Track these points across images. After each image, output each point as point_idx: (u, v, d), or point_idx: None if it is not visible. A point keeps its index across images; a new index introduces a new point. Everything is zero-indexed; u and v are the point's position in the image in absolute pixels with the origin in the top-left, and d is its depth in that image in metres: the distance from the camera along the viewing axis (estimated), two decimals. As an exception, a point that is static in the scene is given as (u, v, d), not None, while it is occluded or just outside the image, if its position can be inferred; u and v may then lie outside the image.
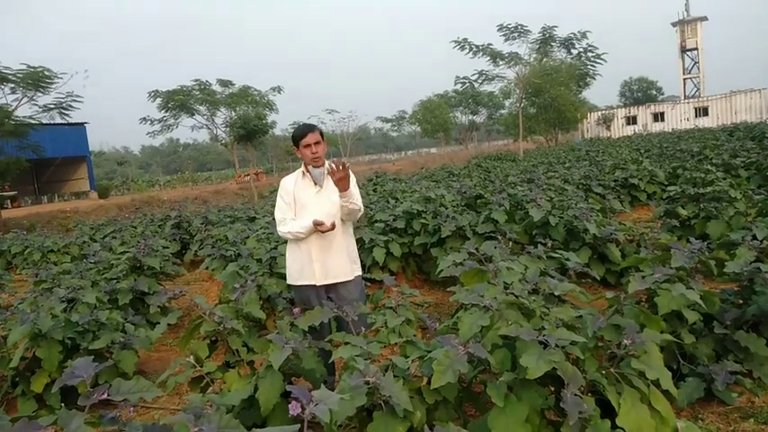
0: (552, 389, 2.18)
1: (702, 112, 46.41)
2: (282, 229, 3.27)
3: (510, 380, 2.10)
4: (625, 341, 2.17)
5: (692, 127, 37.46)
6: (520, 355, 2.08)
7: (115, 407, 1.99)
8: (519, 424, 1.99)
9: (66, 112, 19.36)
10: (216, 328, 2.98)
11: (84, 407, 1.85)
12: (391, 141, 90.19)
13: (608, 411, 2.07)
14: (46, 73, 17.86)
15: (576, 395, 1.93)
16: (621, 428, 1.99)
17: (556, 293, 2.86)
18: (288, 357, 2.38)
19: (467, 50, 25.06)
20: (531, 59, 26.55)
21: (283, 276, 4.64)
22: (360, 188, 3.39)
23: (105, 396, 1.86)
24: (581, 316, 2.54)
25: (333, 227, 3.13)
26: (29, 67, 17.60)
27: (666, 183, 9.37)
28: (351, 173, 3.14)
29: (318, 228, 3.10)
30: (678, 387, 2.59)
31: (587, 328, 2.33)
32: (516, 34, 25.18)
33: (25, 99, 18.31)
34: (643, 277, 2.74)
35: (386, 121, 57.68)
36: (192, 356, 2.77)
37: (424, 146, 73.27)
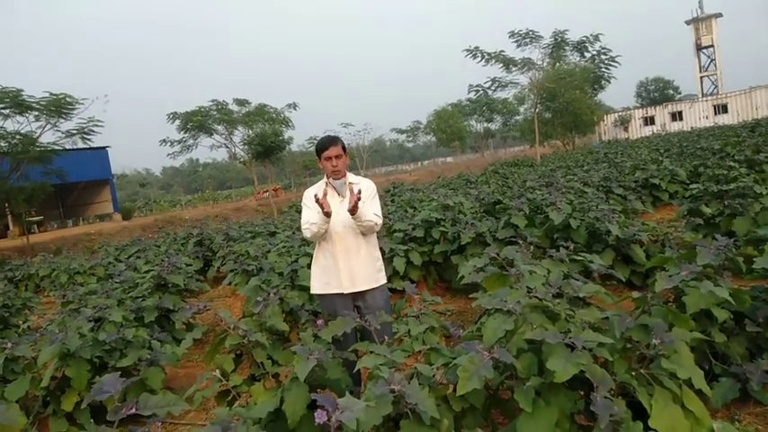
0: (581, 392, 2.14)
1: (722, 109, 45.53)
2: (305, 225, 3.22)
3: (537, 384, 2.07)
4: (654, 341, 2.13)
5: (712, 125, 36.79)
6: (546, 358, 2.05)
7: (144, 423, 2.01)
8: (548, 429, 1.95)
9: (88, 136, 19.77)
10: (240, 342, 3.00)
11: (114, 422, 1.87)
12: (407, 152, 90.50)
13: (640, 413, 2.02)
14: (68, 99, 18.28)
15: (606, 398, 1.89)
16: (654, 430, 1.95)
17: (580, 296, 2.81)
18: (313, 369, 2.37)
19: (479, 58, 25.12)
20: (545, 64, 26.50)
21: (305, 289, 4.66)
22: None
23: (133, 411, 1.88)
24: (607, 317, 2.49)
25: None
26: (51, 94, 18.03)
27: (688, 181, 9.19)
28: (372, 185, 3.31)
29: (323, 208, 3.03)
30: (711, 387, 2.52)
31: (614, 329, 2.28)
32: (528, 40, 25.21)
33: (48, 126, 18.77)
34: (670, 276, 2.69)
35: (401, 132, 57.80)
36: (217, 371, 2.78)
37: (440, 155, 73.33)
